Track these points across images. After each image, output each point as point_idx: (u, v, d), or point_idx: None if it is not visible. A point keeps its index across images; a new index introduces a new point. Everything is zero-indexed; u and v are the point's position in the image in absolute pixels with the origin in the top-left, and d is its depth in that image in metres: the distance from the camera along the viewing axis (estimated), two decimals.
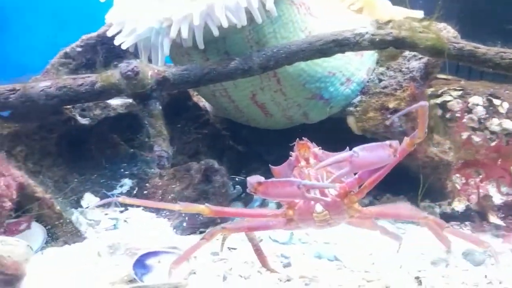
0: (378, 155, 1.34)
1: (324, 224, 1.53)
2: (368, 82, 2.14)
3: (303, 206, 1.49)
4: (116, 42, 2.08)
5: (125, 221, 2.12)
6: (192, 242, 1.97)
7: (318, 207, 1.47)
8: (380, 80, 2.11)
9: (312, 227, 1.57)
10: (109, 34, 2.16)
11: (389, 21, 2.16)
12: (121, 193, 2.28)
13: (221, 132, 2.49)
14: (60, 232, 1.92)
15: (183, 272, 1.69)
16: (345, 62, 2.12)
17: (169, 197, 2.12)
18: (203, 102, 2.62)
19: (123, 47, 2.06)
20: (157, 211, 2.18)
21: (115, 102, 2.24)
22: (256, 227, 1.65)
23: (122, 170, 2.28)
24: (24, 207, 1.84)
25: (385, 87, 2.07)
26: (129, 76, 1.69)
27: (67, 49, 2.27)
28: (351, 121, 2.13)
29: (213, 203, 1.98)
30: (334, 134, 2.25)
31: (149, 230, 2.07)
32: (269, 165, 1.69)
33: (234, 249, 1.95)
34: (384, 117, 2.01)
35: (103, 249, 1.86)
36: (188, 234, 2.03)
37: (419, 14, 2.43)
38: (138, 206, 2.28)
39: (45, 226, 1.89)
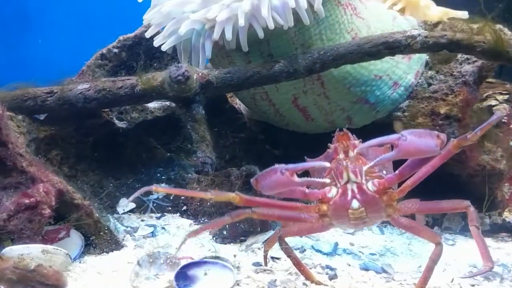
0: (426, 142, 1.26)
1: (359, 223, 1.44)
2: (416, 86, 2.04)
3: (338, 201, 1.41)
4: (156, 43, 2.02)
5: (163, 228, 2.06)
6: (232, 251, 1.95)
7: (355, 203, 1.39)
8: (430, 84, 2.01)
9: (346, 225, 1.49)
10: (148, 35, 2.10)
11: (438, 23, 2.06)
12: (157, 199, 2.23)
13: (258, 136, 2.41)
14: (98, 240, 1.86)
15: (227, 284, 1.62)
16: (392, 65, 2.03)
17: (208, 203, 2.06)
18: (237, 105, 2.55)
19: (163, 48, 2.00)
20: (196, 218, 2.12)
21: (153, 105, 2.17)
22: (287, 217, 1.58)
23: (158, 174, 2.22)
24: (63, 214, 1.79)
25: (435, 91, 1.98)
26: (180, 80, 1.62)
27: (104, 50, 2.22)
28: (398, 126, 2.03)
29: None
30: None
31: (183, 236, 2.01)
32: (305, 157, 1.60)
33: (278, 259, 1.87)
34: (435, 123, 1.92)
35: (143, 258, 1.80)
36: (228, 243, 1.97)
37: (464, 14, 2.33)
38: (175, 212, 2.22)
39: (82, 234, 1.84)
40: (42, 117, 2.05)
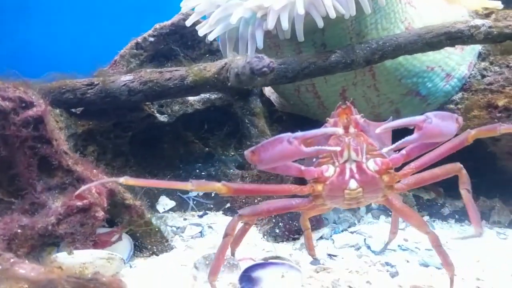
0: (448, 126, 1.19)
1: (353, 203, 1.35)
2: (469, 78, 1.99)
3: (335, 180, 1.30)
4: (201, 32, 1.91)
5: (210, 227, 1.96)
6: (286, 249, 1.87)
7: (353, 183, 1.29)
8: (483, 76, 1.96)
9: (339, 205, 1.39)
10: (188, 23, 1.98)
11: (491, 12, 2.01)
12: (197, 196, 2.12)
13: (294, 130, 2.32)
14: (148, 241, 1.76)
15: (294, 285, 1.55)
16: (444, 56, 1.98)
17: (255, 200, 1.96)
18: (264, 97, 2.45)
19: (210, 38, 1.88)
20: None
21: (192, 97, 2.05)
22: (277, 209, 1.45)
23: (197, 170, 2.11)
24: (113, 215, 1.67)
25: (491, 83, 1.93)
26: (265, 72, 1.51)
27: (139, 39, 2.09)
28: None
29: None
30: None
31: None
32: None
33: (335, 256, 1.81)
34: (492, 115, 1.87)
35: (199, 261, 1.71)
36: (281, 241, 1.89)
37: (498, 4, 2.29)
38: (218, 210, 2.12)
39: (130, 235, 1.73)
40: (78, 111, 1.92)
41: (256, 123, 1.69)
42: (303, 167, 1.35)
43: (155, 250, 1.77)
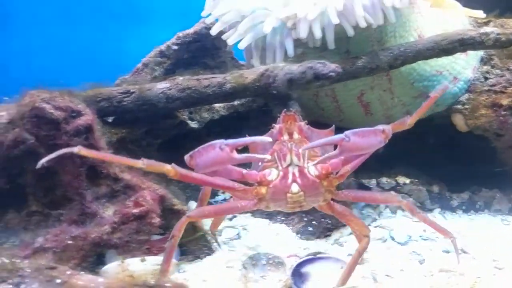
0: (369, 141, 1.27)
1: (296, 206, 1.40)
2: (474, 80, 2.19)
3: (279, 184, 1.35)
4: (230, 41, 1.97)
5: (244, 229, 2.02)
6: (321, 246, 1.96)
7: (295, 187, 1.35)
8: (486, 78, 2.16)
9: (282, 208, 1.45)
10: (213, 32, 2.04)
11: (489, 21, 2.22)
12: (224, 200, 2.17)
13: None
14: (192, 246, 1.79)
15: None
16: (451, 61, 2.16)
17: None
18: None
19: (241, 46, 1.96)
20: (270, 217, 2.09)
21: (218, 104, 2.11)
22: (223, 211, 1.53)
23: None
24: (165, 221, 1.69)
25: (493, 85, 2.13)
26: (331, 77, 1.60)
27: (162, 47, 2.12)
28: (458, 118, 2.17)
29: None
30: (432, 131, 2.30)
31: (273, 236, 1.99)
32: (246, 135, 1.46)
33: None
34: (498, 113, 2.07)
35: (246, 261, 1.76)
36: (315, 239, 1.98)
37: (480, 13, 2.52)
38: (245, 212, 2.17)
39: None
40: (110, 119, 1.92)
41: None
42: (245, 171, 1.41)
43: (199, 254, 1.80)
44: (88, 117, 1.60)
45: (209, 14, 2.09)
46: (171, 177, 1.37)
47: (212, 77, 1.85)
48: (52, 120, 1.54)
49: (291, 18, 1.91)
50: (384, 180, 2.20)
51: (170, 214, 1.71)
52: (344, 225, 2.03)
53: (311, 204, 1.44)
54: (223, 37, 2.02)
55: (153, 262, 1.56)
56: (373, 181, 2.21)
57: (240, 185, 1.43)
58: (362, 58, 1.94)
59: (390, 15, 1.88)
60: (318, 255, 1.74)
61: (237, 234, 1.97)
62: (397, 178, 2.22)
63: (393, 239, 2.03)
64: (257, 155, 1.34)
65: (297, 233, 2.00)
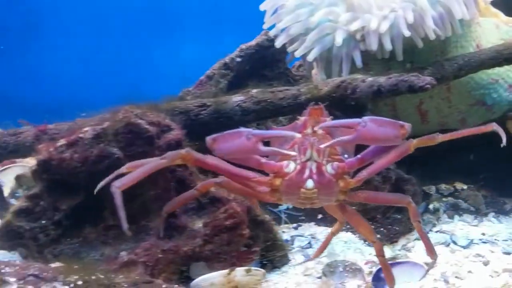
0: (386, 132, 1.22)
1: (306, 203, 1.38)
2: None
3: (294, 177, 1.32)
4: (298, 53, 2.02)
5: (313, 237, 2.07)
6: (388, 252, 2.01)
7: (310, 183, 1.31)
8: None
9: (293, 203, 1.44)
10: (278, 44, 2.08)
11: None
12: (288, 209, 2.20)
13: None
14: (270, 255, 1.82)
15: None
16: (506, 69, 2.21)
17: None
18: None
19: (309, 58, 2.00)
20: (331, 224, 2.14)
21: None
22: (239, 190, 1.48)
23: None
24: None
25: None
26: (427, 89, 1.66)
27: (226, 59, 2.15)
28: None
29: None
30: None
31: (341, 244, 2.04)
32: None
33: None
34: None
35: (325, 269, 1.80)
36: (383, 245, 2.02)
37: None
38: (310, 221, 2.22)
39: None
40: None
41: None
42: (263, 160, 1.37)
43: (276, 263, 1.83)
44: (177, 131, 1.63)
45: (272, 26, 2.14)
46: (186, 161, 1.35)
47: (286, 89, 1.88)
48: (147, 136, 1.56)
49: (359, 30, 1.95)
50: (443, 186, 2.26)
51: (254, 225, 1.74)
52: (410, 231, 2.09)
53: (323, 203, 1.42)
54: (289, 49, 2.06)
55: (243, 272, 1.59)
56: (433, 188, 2.26)
57: (255, 175, 1.40)
58: (428, 69, 1.99)
59: (458, 26, 1.93)
60: (397, 260, 1.80)
61: (308, 243, 2.01)
62: (455, 184, 2.27)
63: (455, 243, 2.09)
64: (283, 150, 1.29)
65: (365, 241, 2.04)
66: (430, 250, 1.59)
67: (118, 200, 1.23)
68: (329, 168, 1.32)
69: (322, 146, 1.29)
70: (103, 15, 3.75)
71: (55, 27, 3.61)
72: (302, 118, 1.39)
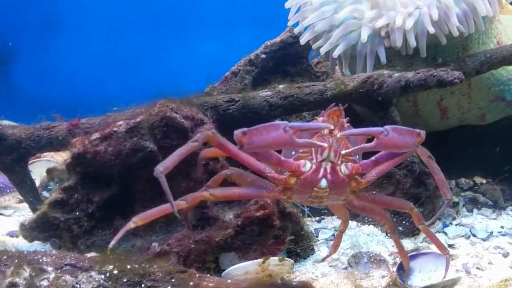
0: (405, 140, 1.27)
1: (316, 201, 1.42)
2: None
3: (309, 177, 1.34)
4: (323, 49, 2.06)
5: (336, 230, 2.10)
6: (410, 244, 2.06)
7: (324, 183, 1.34)
8: None
9: (303, 201, 1.46)
10: (303, 41, 2.12)
11: None
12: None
13: None
14: (299, 246, 1.87)
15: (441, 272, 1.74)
16: None
17: None
18: None
19: (335, 54, 2.04)
20: (358, 219, 2.18)
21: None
22: (247, 195, 1.50)
23: None
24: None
25: None
26: (456, 83, 1.71)
27: (251, 56, 2.19)
28: None
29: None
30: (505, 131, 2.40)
31: (364, 236, 2.09)
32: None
33: (452, 245, 2.04)
34: None
35: (350, 260, 1.85)
36: (404, 238, 2.07)
37: None
38: (332, 215, 2.26)
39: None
40: None
41: None
42: (283, 158, 1.38)
43: (303, 254, 1.88)
44: (210, 125, 1.68)
45: (297, 24, 2.18)
46: (208, 141, 1.37)
47: (313, 85, 1.93)
48: (182, 129, 1.61)
49: (384, 27, 1.99)
50: (463, 180, 2.30)
51: (282, 216, 1.79)
52: (431, 224, 2.13)
53: (331, 201, 1.45)
54: (314, 46, 2.10)
55: (276, 262, 1.63)
56: (453, 182, 2.30)
57: (271, 171, 1.41)
58: (450, 65, 2.03)
59: (481, 23, 1.96)
60: (421, 251, 1.84)
61: (332, 235, 2.06)
62: (474, 179, 2.31)
63: (474, 235, 2.14)
64: (317, 142, 1.31)
65: (387, 233, 2.08)
66: (441, 247, 1.63)
67: (164, 184, 1.25)
68: (343, 168, 1.35)
69: (343, 151, 1.34)
70: (120, 14, 3.79)
71: (75, 26, 3.67)
72: (319, 119, 1.42)
